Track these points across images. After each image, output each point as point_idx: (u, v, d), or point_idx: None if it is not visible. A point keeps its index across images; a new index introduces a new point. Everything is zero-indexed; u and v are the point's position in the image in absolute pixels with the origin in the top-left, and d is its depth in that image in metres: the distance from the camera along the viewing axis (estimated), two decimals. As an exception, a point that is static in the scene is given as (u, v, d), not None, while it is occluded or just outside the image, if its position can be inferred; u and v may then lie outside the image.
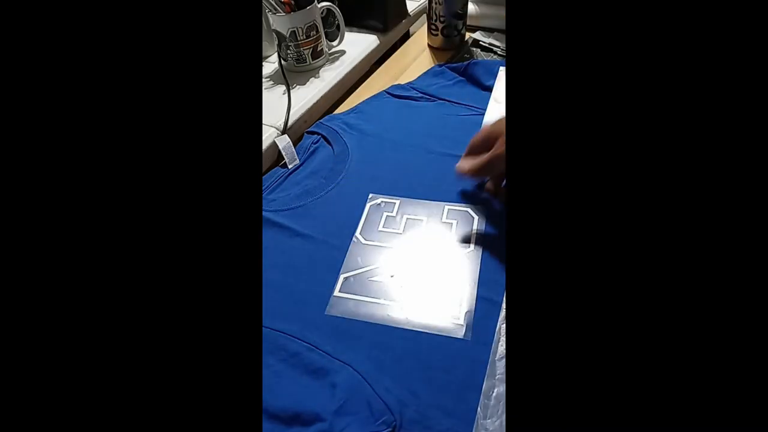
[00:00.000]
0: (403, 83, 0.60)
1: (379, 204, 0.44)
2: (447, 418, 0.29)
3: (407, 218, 0.43)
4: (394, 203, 0.44)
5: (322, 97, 0.59)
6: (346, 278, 0.38)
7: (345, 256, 0.40)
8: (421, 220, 0.42)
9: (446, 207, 0.43)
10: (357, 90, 0.62)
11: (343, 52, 0.66)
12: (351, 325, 0.35)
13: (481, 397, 0.30)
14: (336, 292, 0.37)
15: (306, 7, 0.57)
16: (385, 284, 0.38)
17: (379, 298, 0.37)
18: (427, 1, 0.64)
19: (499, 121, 0.40)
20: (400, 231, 0.42)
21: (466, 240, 0.40)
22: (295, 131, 0.55)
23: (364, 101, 0.58)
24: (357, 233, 0.42)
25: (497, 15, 0.69)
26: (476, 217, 0.42)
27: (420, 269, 0.39)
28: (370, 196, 0.45)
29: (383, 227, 0.42)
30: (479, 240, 0.40)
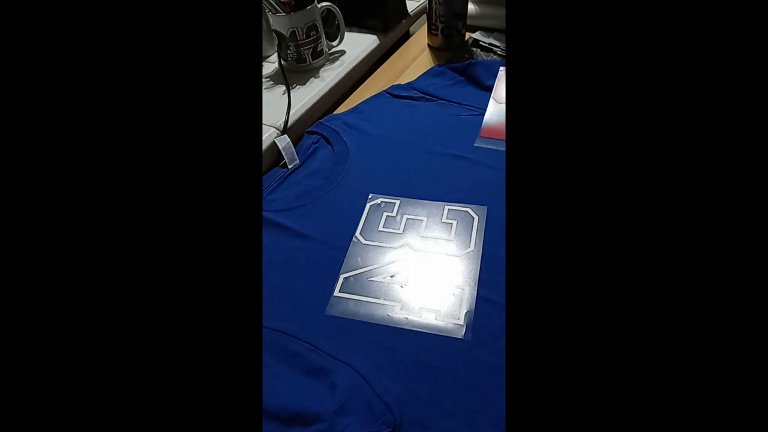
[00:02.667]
0: (403, 83, 0.60)
1: (379, 204, 0.44)
2: (447, 418, 0.29)
3: (407, 218, 0.43)
4: (394, 203, 0.44)
5: (322, 97, 0.59)
6: (346, 278, 0.38)
7: (345, 256, 0.40)
8: (421, 220, 0.42)
9: (446, 207, 0.43)
10: (357, 90, 0.62)
11: (343, 52, 0.66)
12: (351, 325, 0.35)
13: None
14: (336, 292, 0.37)
15: (306, 7, 0.57)
16: (385, 284, 0.38)
17: (378, 299, 0.37)
18: (427, 1, 0.64)
19: None
20: (400, 231, 0.42)
21: (466, 240, 0.40)
22: (295, 131, 0.55)
23: (364, 101, 0.58)
24: (357, 233, 0.42)
25: (497, 15, 0.69)
26: (476, 217, 0.42)
27: (420, 269, 0.39)
28: (370, 196, 0.45)
29: (383, 227, 0.42)
30: (479, 240, 0.40)
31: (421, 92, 0.58)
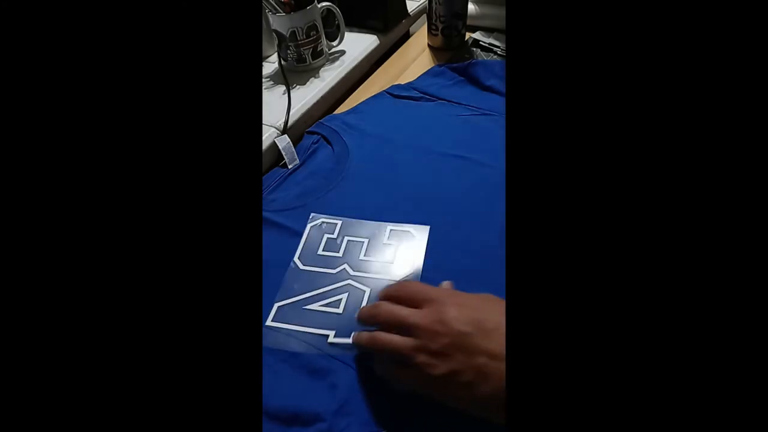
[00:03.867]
0: (403, 83, 0.60)
1: (320, 225, 0.42)
2: (447, 418, 0.29)
3: (348, 240, 0.41)
4: (336, 224, 0.42)
5: (322, 97, 0.59)
6: (280, 307, 0.37)
7: (281, 283, 0.38)
8: (362, 242, 0.41)
9: (389, 227, 0.42)
10: (357, 90, 0.62)
11: (343, 52, 0.66)
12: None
13: None
14: (268, 321, 0.36)
15: (306, 7, 0.57)
16: (320, 312, 0.36)
17: (312, 327, 0.35)
18: (427, 1, 0.64)
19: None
20: (340, 254, 0.40)
21: (407, 261, 0.39)
22: (295, 131, 0.55)
23: (364, 101, 0.58)
24: (295, 258, 0.40)
25: (497, 15, 0.69)
26: (417, 236, 0.41)
27: (359, 293, 0.37)
28: (312, 216, 0.43)
29: (323, 251, 0.40)
30: (419, 261, 0.39)
31: (421, 92, 0.58)
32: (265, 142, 0.51)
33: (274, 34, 0.59)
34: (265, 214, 0.44)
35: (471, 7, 0.68)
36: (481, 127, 0.52)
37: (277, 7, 0.57)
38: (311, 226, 0.42)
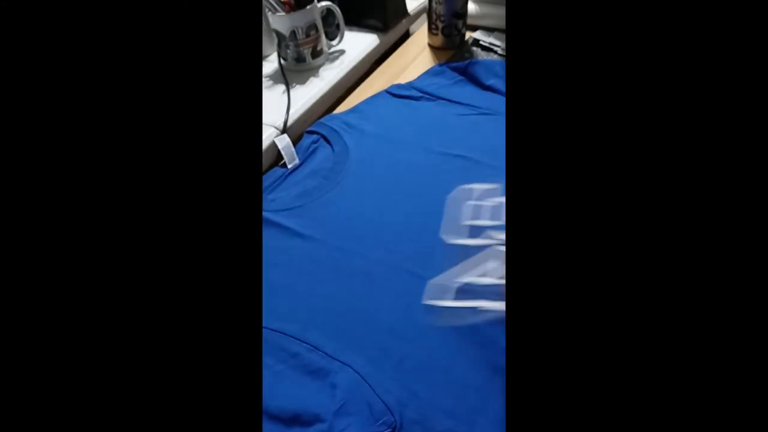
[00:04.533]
0: (403, 83, 0.60)
1: (462, 195, 0.42)
2: (447, 418, 0.29)
3: (492, 206, 0.40)
4: (475, 191, 0.42)
5: (321, 96, 0.59)
6: (433, 284, 0.36)
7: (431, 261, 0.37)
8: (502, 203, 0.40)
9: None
10: (357, 89, 0.62)
11: (342, 52, 0.66)
12: (351, 325, 0.35)
13: None
14: (426, 301, 0.35)
15: (306, 6, 0.57)
16: (479, 286, 0.36)
17: (470, 300, 0.35)
18: (427, 1, 0.64)
19: None
20: (487, 222, 0.39)
21: None
22: (295, 131, 0.55)
23: (364, 101, 0.58)
24: (440, 233, 0.39)
25: (498, 14, 0.68)
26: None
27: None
28: (456, 189, 0.43)
29: (467, 221, 0.40)
30: None
31: (421, 92, 0.58)
32: (265, 141, 0.51)
33: (273, 33, 0.59)
34: (264, 214, 0.44)
35: (471, 6, 0.68)
36: (481, 127, 0.52)
37: (277, 7, 0.57)
38: (451, 198, 0.42)
